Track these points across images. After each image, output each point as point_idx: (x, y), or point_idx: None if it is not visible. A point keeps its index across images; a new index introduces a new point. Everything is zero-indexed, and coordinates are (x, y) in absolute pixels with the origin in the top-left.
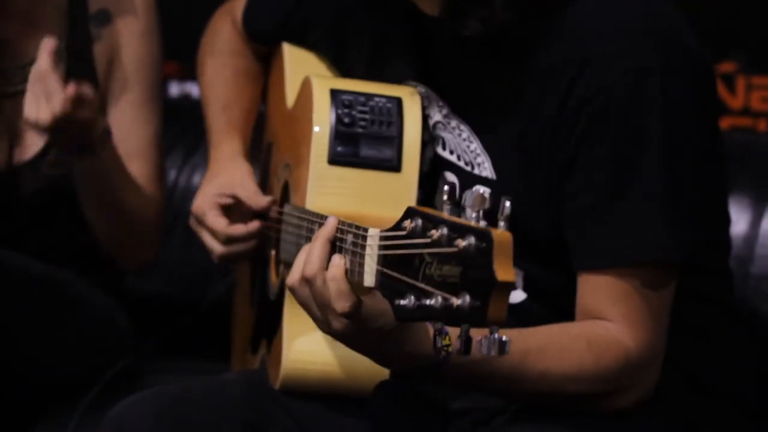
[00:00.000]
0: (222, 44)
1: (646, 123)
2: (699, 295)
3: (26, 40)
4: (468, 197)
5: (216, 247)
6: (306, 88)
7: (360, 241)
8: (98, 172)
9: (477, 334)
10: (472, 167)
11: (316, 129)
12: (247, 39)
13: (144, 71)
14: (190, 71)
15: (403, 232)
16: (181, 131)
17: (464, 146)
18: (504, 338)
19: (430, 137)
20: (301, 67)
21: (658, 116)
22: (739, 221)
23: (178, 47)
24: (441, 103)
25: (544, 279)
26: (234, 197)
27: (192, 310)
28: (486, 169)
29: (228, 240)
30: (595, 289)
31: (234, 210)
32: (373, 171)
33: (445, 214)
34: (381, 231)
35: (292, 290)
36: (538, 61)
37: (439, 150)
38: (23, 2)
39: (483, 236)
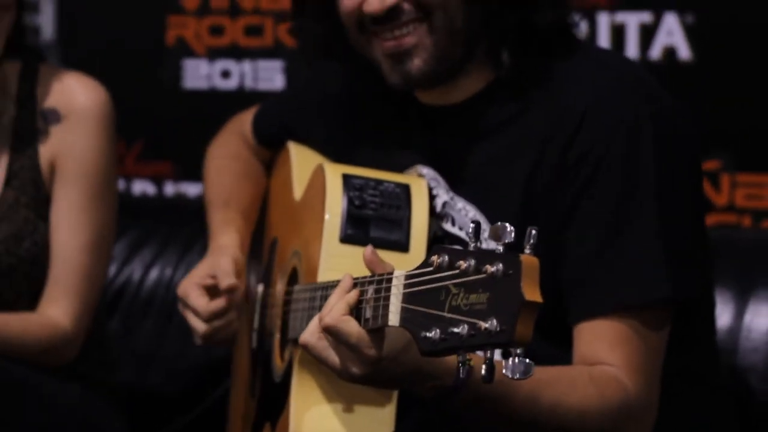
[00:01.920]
0: (227, 150)
1: (642, 170)
2: (686, 373)
3: None
4: (492, 230)
5: (199, 325)
6: (318, 174)
7: (384, 285)
8: None
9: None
10: (480, 243)
11: (328, 210)
12: (255, 144)
13: (87, 178)
14: (183, 171)
15: (431, 268)
16: (176, 229)
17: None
18: (528, 360)
19: (437, 217)
20: (307, 162)
21: (652, 163)
22: (723, 314)
23: (171, 148)
24: (446, 185)
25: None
26: (213, 277)
27: (190, 407)
28: (492, 245)
29: (210, 316)
30: (594, 336)
31: (217, 293)
32: (382, 251)
33: (471, 248)
34: (407, 271)
35: (308, 345)
36: (535, 126)
37: (448, 227)
38: None
39: (511, 261)
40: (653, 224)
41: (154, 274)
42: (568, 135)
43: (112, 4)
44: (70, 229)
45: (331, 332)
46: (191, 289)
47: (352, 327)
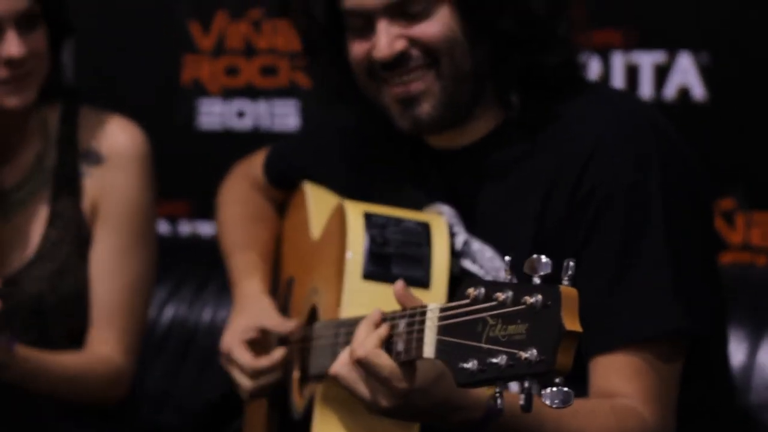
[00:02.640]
0: (238, 195)
1: (651, 206)
2: (701, 407)
3: (13, 165)
4: (528, 263)
5: (245, 382)
6: (339, 213)
7: (418, 318)
8: (14, 382)
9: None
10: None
11: (350, 247)
12: (266, 185)
13: (128, 220)
14: (198, 211)
15: (467, 300)
16: (191, 268)
17: (489, 265)
18: (567, 389)
19: (457, 255)
20: (323, 202)
21: (660, 199)
22: (736, 351)
23: (186, 187)
24: (464, 226)
25: None
26: (260, 329)
27: None
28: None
29: (255, 374)
30: (610, 369)
31: (261, 343)
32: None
33: (507, 281)
34: (441, 304)
35: (338, 376)
36: (545, 166)
37: (468, 264)
38: (12, 129)
39: (550, 292)
40: (663, 258)
41: (169, 312)
42: (577, 173)
43: (129, 44)
44: (113, 269)
45: (362, 364)
46: (235, 345)
47: (384, 360)
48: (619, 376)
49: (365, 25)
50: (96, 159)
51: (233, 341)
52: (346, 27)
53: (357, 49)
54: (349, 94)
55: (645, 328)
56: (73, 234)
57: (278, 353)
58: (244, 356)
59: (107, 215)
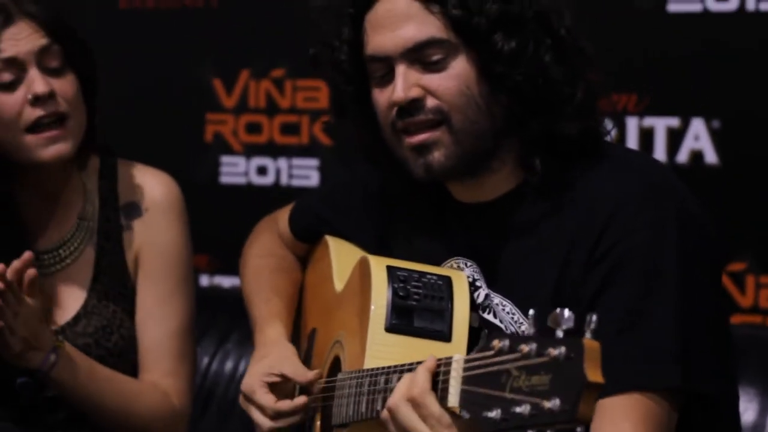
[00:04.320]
0: (262, 248)
1: (665, 264)
2: None
3: (56, 222)
4: (552, 317)
5: (265, 422)
6: (363, 266)
7: (443, 368)
8: (63, 390)
9: None
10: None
11: (374, 300)
12: (291, 239)
13: (170, 268)
14: (219, 265)
15: (491, 351)
16: (212, 320)
17: (508, 319)
18: None
19: (479, 308)
20: (346, 255)
21: (675, 258)
22: (747, 411)
23: (207, 242)
24: (485, 280)
25: None
26: (281, 375)
27: None
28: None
29: (276, 415)
30: (608, 413)
31: (281, 387)
32: (425, 340)
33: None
34: (467, 355)
35: (395, 409)
36: (565, 227)
37: (490, 317)
38: (53, 186)
39: (574, 344)
40: (671, 315)
41: None
42: (596, 234)
43: (154, 100)
44: (159, 317)
45: (418, 403)
46: (258, 386)
47: (435, 402)
48: (616, 421)
49: (387, 72)
50: (136, 212)
51: (255, 382)
52: (370, 76)
53: (380, 97)
54: (376, 150)
55: (644, 380)
56: (118, 288)
57: (300, 399)
58: (266, 398)
59: (150, 265)
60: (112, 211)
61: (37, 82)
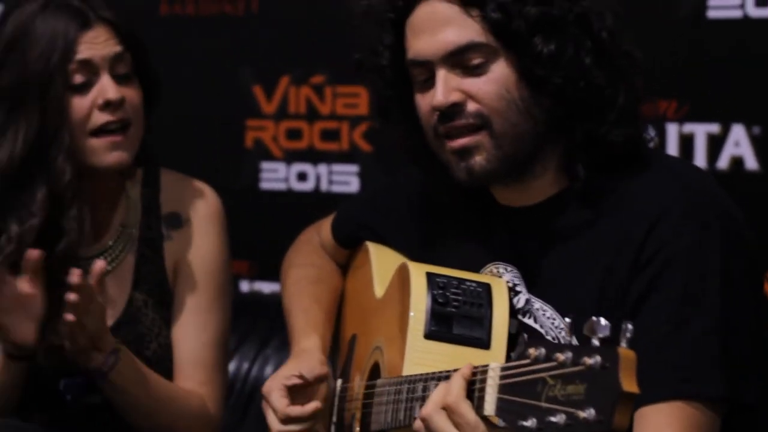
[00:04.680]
0: (303, 258)
1: (708, 271)
2: None
3: (100, 229)
4: (588, 325)
5: (274, 425)
6: (402, 272)
7: (480, 376)
8: (116, 393)
9: None
10: (559, 342)
11: (413, 307)
12: (334, 246)
13: (209, 279)
14: (259, 270)
15: (528, 360)
16: (252, 326)
17: (549, 324)
18: None
19: (519, 312)
20: (387, 261)
21: (718, 265)
22: None
23: (248, 248)
24: (525, 285)
25: None
26: (300, 376)
27: None
28: (573, 341)
29: (286, 419)
30: (651, 422)
31: (302, 393)
32: (464, 347)
33: (567, 342)
34: (502, 363)
35: (428, 418)
36: (608, 233)
37: (530, 322)
38: (101, 193)
39: (609, 353)
40: (715, 323)
41: (231, 367)
42: (640, 240)
43: (193, 107)
44: (197, 327)
45: (452, 411)
46: (275, 389)
47: (470, 410)
48: (658, 429)
49: (428, 77)
50: (177, 222)
51: (274, 385)
52: (412, 81)
53: (422, 102)
54: (420, 154)
55: (687, 388)
56: (157, 298)
57: (311, 406)
58: (279, 401)
59: (188, 275)
60: (154, 220)
61: (109, 88)
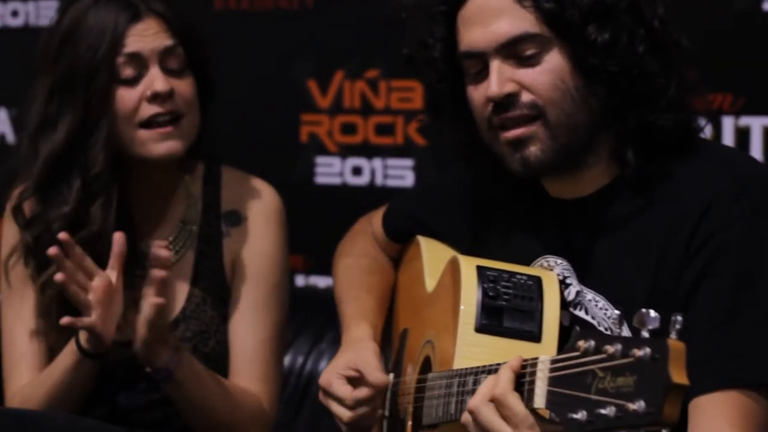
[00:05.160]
0: (355, 249)
1: (759, 257)
2: None
3: (160, 224)
4: (637, 317)
5: (344, 413)
6: (453, 266)
7: (529, 369)
8: (178, 391)
9: None
10: (611, 332)
11: (464, 301)
12: (385, 240)
13: (265, 277)
14: (314, 265)
15: (577, 352)
16: (307, 320)
17: (601, 314)
18: None
19: (570, 305)
20: (438, 255)
21: None
22: None
23: (302, 242)
24: (576, 277)
25: None
26: (357, 371)
27: None
28: (624, 332)
29: (356, 404)
30: (708, 412)
31: (358, 383)
32: (515, 340)
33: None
34: (552, 356)
35: (475, 411)
36: (659, 222)
37: (582, 314)
38: (161, 187)
39: (658, 345)
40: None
41: (285, 362)
42: (692, 228)
43: (248, 101)
44: (253, 324)
45: (500, 403)
46: (334, 379)
47: (519, 402)
48: (713, 418)
49: (482, 68)
50: (237, 220)
51: (332, 376)
52: (465, 73)
53: (475, 94)
54: (471, 148)
55: (741, 376)
56: (215, 294)
57: (379, 380)
58: (344, 388)
59: (246, 273)
60: (214, 217)
61: (157, 79)
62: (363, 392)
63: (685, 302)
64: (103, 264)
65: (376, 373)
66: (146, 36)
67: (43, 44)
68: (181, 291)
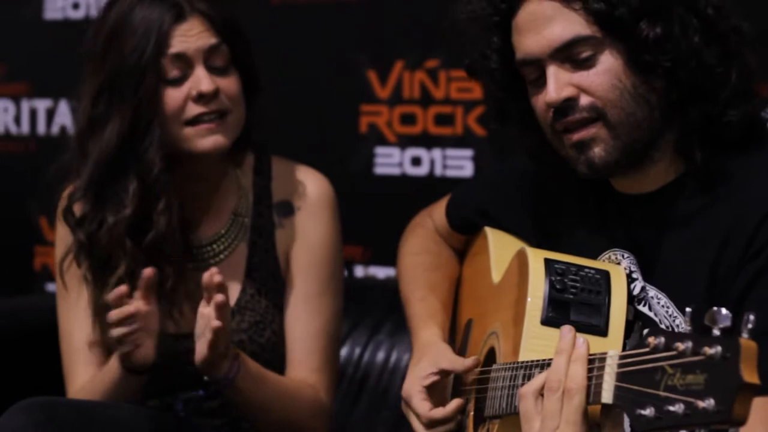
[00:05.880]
0: (418, 245)
1: None
2: None
3: (212, 217)
4: (708, 315)
5: (420, 429)
6: (520, 258)
7: (597, 364)
8: (239, 397)
9: None
10: (672, 330)
11: (531, 293)
12: (448, 231)
13: (319, 266)
14: (373, 255)
15: (647, 349)
16: (365, 310)
17: (663, 312)
18: None
19: (635, 300)
20: (505, 247)
21: None
22: None
23: (362, 232)
24: (641, 273)
25: None
26: (440, 371)
27: None
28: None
29: (430, 423)
30: (762, 414)
31: (438, 388)
32: (581, 334)
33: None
34: (621, 352)
35: (524, 396)
36: (722, 219)
37: (645, 310)
38: (211, 181)
39: (730, 344)
40: None
41: (343, 352)
42: (754, 226)
43: (308, 93)
44: (309, 314)
45: (568, 397)
46: (415, 392)
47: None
48: (754, 424)
49: (540, 75)
50: (289, 210)
51: (413, 388)
52: (526, 82)
53: (536, 101)
54: (541, 151)
55: None
56: (270, 285)
57: (453, 404)
58: (422, 406)
59: (300, 263)
60: (265, 208)
61: (203, 80)
62: (438, 413)
63: (736, 304)
64: (170, 265)
65: (460, 362)
66: (191, 36)
67: (89, 42)
68: (235, 283)
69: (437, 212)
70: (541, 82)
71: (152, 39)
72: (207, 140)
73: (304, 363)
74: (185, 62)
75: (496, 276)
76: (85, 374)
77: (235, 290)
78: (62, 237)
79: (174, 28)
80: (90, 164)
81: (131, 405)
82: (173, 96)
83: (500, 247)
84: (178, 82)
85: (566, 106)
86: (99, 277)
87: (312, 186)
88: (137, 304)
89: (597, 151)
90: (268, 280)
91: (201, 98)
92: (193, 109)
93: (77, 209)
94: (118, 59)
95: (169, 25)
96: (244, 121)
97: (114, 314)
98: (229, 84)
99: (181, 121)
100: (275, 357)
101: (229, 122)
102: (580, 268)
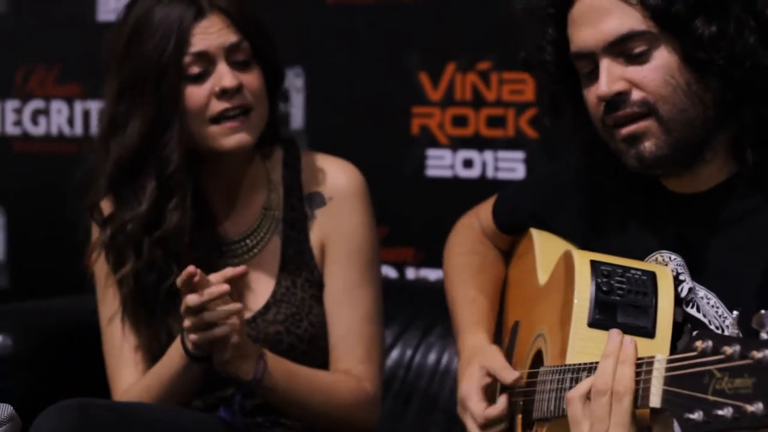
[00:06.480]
0: (464, 246)
1: None
2: None
3: (242, 212)
4: (756, 318)
5: (474, 429)
6: (567, 260)
7: (645, 368)
8: (271, 395)
9: None
10: (722, 331)
11: (577, 295)
12: (495, 232)
13: (356, 256)
14: (424, 257)
15: (695, 352)
16: (417, 313)
17: (712, 312)
18: None
19: (682, 302)
20: (551, 248)
21: None
22: None
23: (413, 235)
24: (689, 273)
25: None
26: (491, 375)
27: None
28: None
29: (485, 423)
30: None
31: (490, 390)
32: (628, 336)
33: (736, 335)
34: (668, 355)
35: (571, 400)
36: None
37: (693, 311)
38: (239, 176)
39: None
40: None
41: (394, 354)
42: None
43: (360, 94)
44: (350, 304)
45: (617, 399)
46: (473, 393)
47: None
48: None
49: (593, 69)
50: (320, 201)
51: (471, 389)
52: (579, 75)
53: (589, 94)
54: (592, 145)
55: None
56: (305, 278)
57: (502, 402)
58: (478, 406)
59: (336, 253)
60: (296, 200)
61: (225, 76)
62: (494, 411)
63: None
64: (180, 260)
65: (507, 372)
66: (211, 33)
67: (110, 43)
68: (270, 276)
69: (484, 213)
70: (594, 75)
71: (173, 38)
72: (232, 138)
73: (350, 354)
74: (207, 60)
75: (543, 278)
76: (130, 373)
77: (270, 283)
78: (94, 235)
79: (194, 26)
80: (110, 163)
81: (165, 406)
82: (196, 93)
83: (546, 248)
84: (200, 79)
85: (617, 100)
86: (120, 276)
87: (342, 176)
88: (222, 286)
89: (647, 145)
90: (304, 272)
91: (224, 94)
92: (217, 106)
93: (105, 207)
94: (138, 59)
95: (189, 23)
96: (268, 116)
97: (214, 291)
98: (252, 79)
99: (206, 118)
100: (313, 348)
101: (253, 119)
102: (626, 269)
